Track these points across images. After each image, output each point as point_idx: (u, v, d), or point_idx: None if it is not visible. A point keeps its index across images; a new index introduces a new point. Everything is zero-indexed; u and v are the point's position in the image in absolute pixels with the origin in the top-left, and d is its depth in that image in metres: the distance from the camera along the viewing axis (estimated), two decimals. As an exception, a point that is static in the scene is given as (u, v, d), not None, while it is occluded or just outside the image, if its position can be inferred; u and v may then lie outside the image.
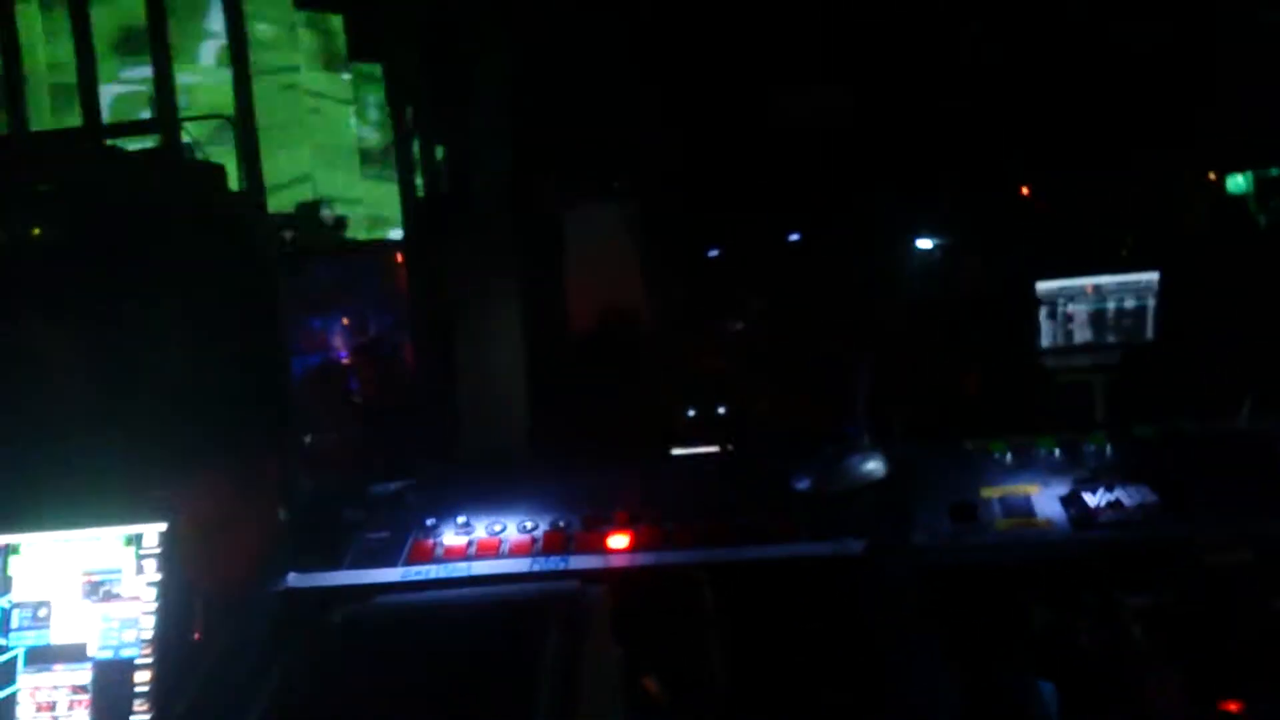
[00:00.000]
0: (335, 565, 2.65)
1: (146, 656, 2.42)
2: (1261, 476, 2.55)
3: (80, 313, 3.61)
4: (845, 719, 2.31)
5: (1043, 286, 5.64)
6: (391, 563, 2.63)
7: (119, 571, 2.47)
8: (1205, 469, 2.61)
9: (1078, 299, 5.58)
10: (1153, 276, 5.53)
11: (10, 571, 2.50)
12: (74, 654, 2.44)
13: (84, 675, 2.43)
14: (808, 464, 2.72)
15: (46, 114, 9.42)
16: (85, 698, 2.41)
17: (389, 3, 5.93)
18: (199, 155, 5.24)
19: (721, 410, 5.57)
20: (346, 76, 11.76)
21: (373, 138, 12.80)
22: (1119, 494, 2.52)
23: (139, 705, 2.39)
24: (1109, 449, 2.77)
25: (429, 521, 2.74)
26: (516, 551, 2.61)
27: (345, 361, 7.65)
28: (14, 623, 2.48)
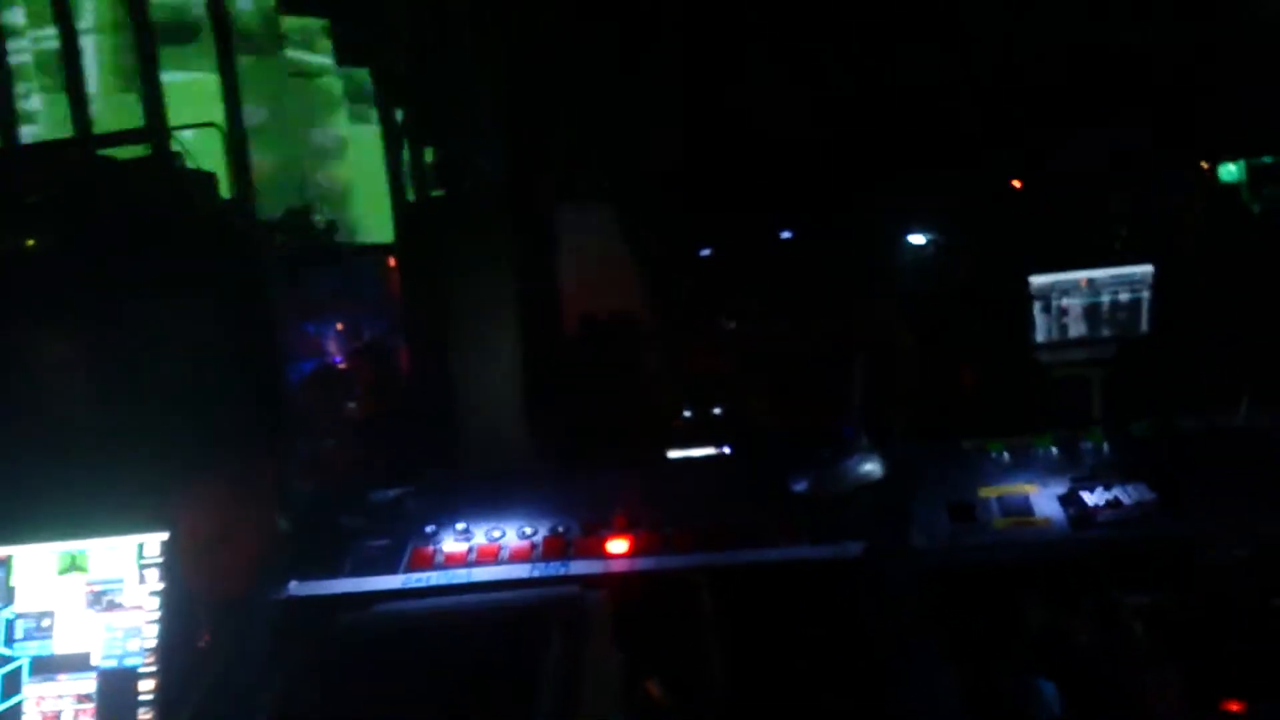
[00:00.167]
0: (336, 573, 2.65)
1: (150, 665, 2.42)
2: (1260, 473, 2.55)
3: (75, 322, 3.61)
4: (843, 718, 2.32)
5: (1036, 280, 5.65)
6: (392, 570, 2.64)
7: (121, 581, 2.48)
8: (1203, 466, 2.61)
9: (1072, 293, 5.59)
10: (1147, 269, 5.55)
11: (13, 582, 2.51)
12: (78, 663, 2.45)
13: (88, 684, 2.44)
14: (805, 466, 2.72)
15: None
16: (90, 706, 2.42)
17: (379, 6, 5.92)
18: (189, 163, 5.23)
19: (717, 411, 5.57)
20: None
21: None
22: (1117, 492, 2.53)
23: (143, 714, 2.40)
24: (1106, 447, 2.77)
25: (429, 528, 2.74)
26: (516, 557, 2.61)
27: (341, 367, 7.65)
28: (18, 633, 2.49)
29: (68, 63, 5.49)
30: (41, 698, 2.44)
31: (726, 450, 4.31)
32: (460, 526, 2.72)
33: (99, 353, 3.48)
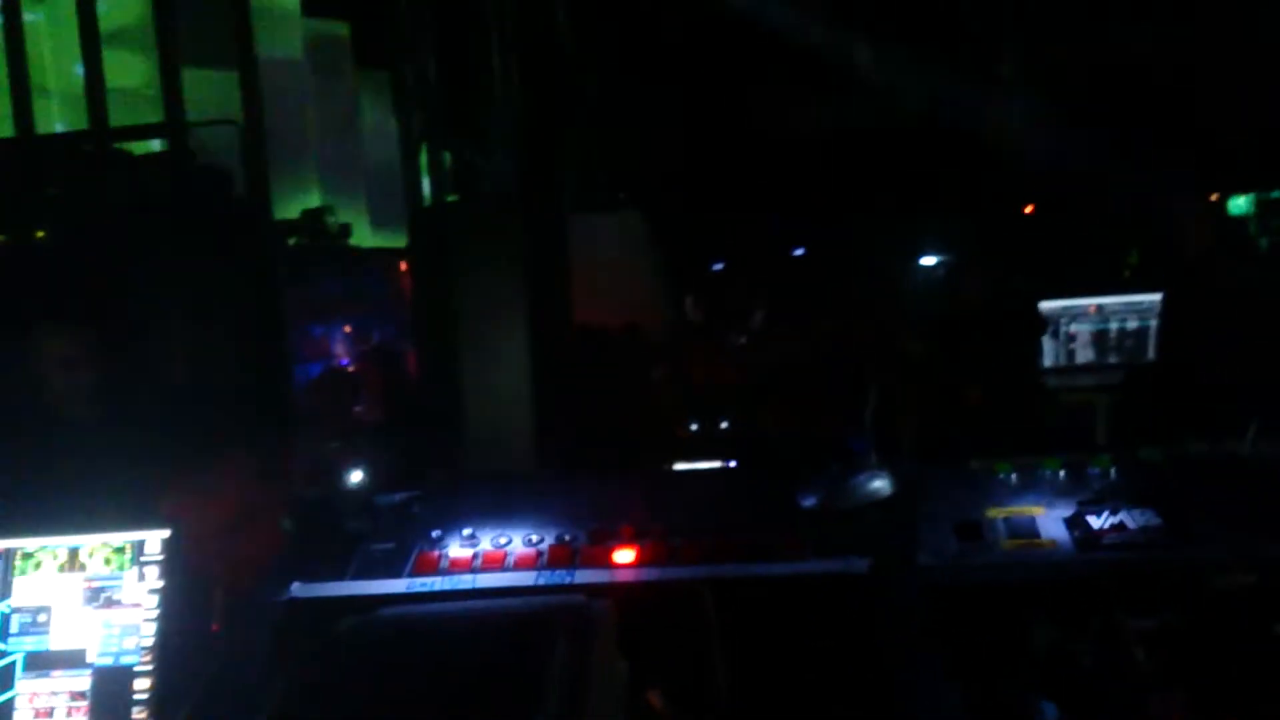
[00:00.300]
0: (339, 576, 2.64)
1: (146, 664, 2.41)
2: (1266, 500, 2.54)
3: (85, 317, 3.60)
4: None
5: (1046, 306, 5.65)
6: (396, 574, 2.63)
7: (120, 578, 2.47)
8: (1210, 492, 2.61)
9: (1080, 319, 5.60)
10: (1155, 298, 5.54)
11: (10, 577, 2.50)
12: (73, 660, 2.44)
13: (83, 681, 2.42)
14: (814, 481, 2.72)
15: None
16: (84, 704, 2.41)
17: (399, 11, 5.95)
18: (204, 159, 5.24)
19: (724, 425, 5.56)
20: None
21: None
22: (1123, 516, 2.52)
23: (138, 713, 2.39)
24: (1114, 471, 2.77)
25: (434, 533, 2.73)
26: (522, 565, 2.60)
27: (349, 369, 7.64)
28: (13, 628, 2.48)
29: (86, 56, 5.49)
30: (35, 694, 2.43)
31: (733, 463, 4.30)
32: (466, 532, 2.72)
33: (105, 348, 3.47)
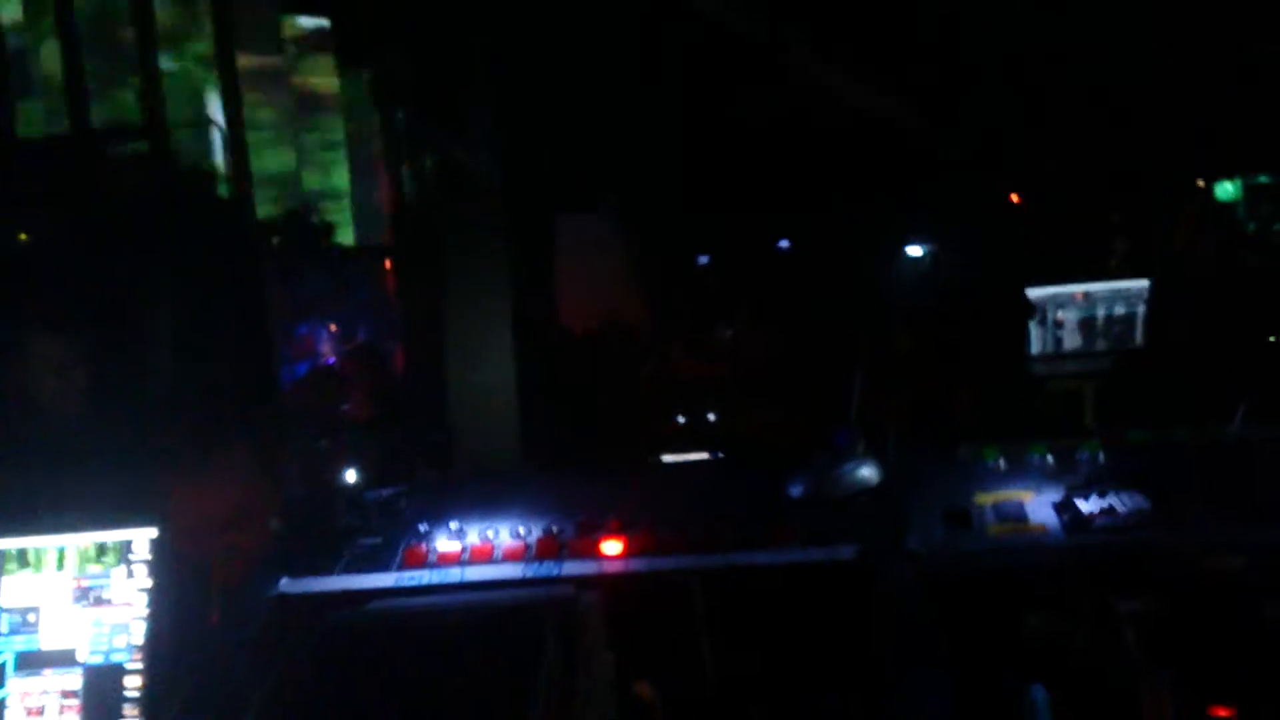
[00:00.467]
0: (328, 571, 2.64)
1: (136, 662, 2.41)
2: (1253, 484, 2.55)
3: (69, 319, 3.59)
4: (838, 722, 2.32)
5: (1032, 293, 5.65)
6: (384, 568, 2.62)
7: (109, 577, 2.46)
8: (1197, 476, 2.61)
9: (1067, 306, 5.60)
10: (1143, 283, 5.55)
11: (-1, 577, 2.49)
12: (64, 659, 2.43)
13: (74, 680, 2.42)
14: (802, 470, 2.72)
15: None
16: (75, 703, 2.40)
17: (380, 9, 5.92)
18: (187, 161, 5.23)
19: (711, 417, 5.57)
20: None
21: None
22: (1112, 500, 2.53)
23: (129, 710, 2.38)
24: (1102, 455, 2.77)
25: (422, 527, 2.73)
26: (510, 557, 2.60)
27: (335, 368, 7.62)
28: (3, 628, 2.47)
29: (66, 58, 5.47)
30: (26, 693, 2.42)
31: (720, 454, 4.31)
32: (454, 526, 2.71)
33: (91, 348, 3.46)
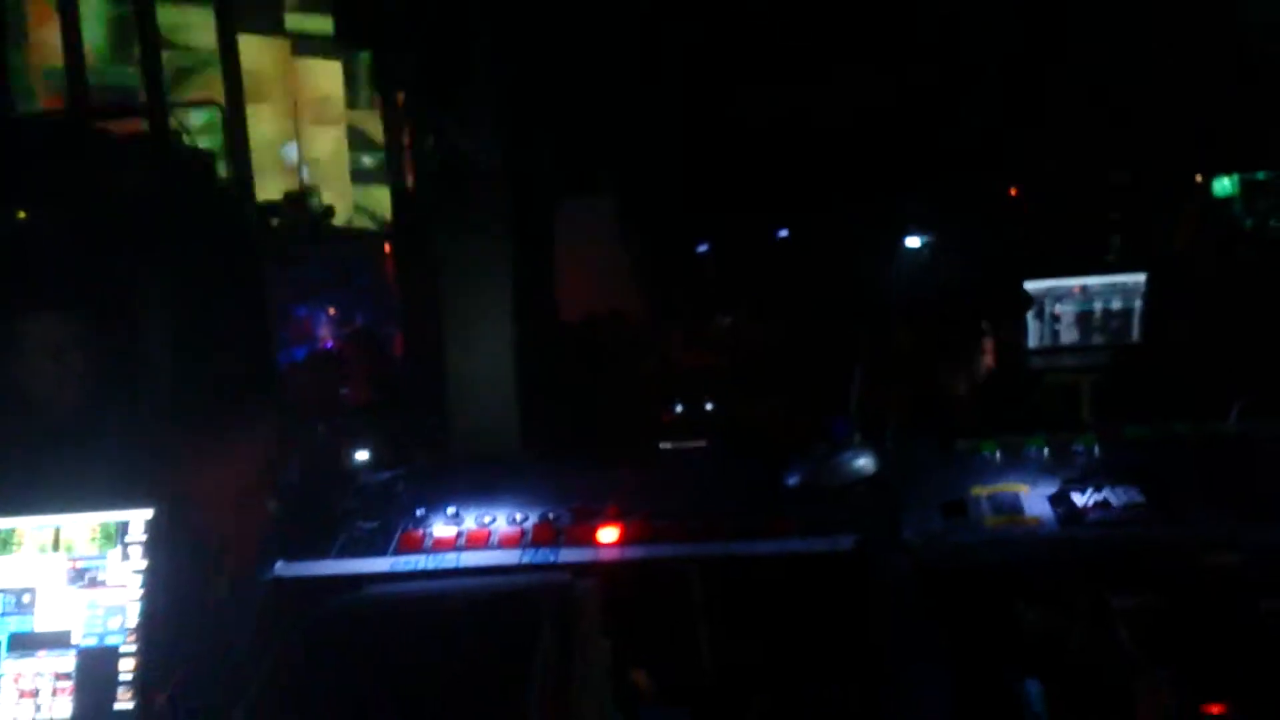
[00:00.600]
0: (324, 555, 2.64)
1: (131, 644, 2.40)
2: (1249, 479, 2.56)
3: (67, 299, 3.58)
4: (834, 713, 2.32)
5: (1031, 287, 5.65)
6: (380, 553, 2.63)
7: (104, 558, 2.46)
8: (1193, 470, 2.62)
9: (1065, 300, 5.60)
10: (1140, 278, 5.55)
11: (-7, 557, 2.49)
12: (58, 640, 2.43)
13: (68, 662, 2.41)
14: (799, 460, 2.73)
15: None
16: (69, 685, 2.40)
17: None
18: (187, 141, 5.21)
19: (710, 407, 5.56)
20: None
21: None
22: (1107, 494, 2.53)
23: (123, 693, 2.38)
24: (1098, 449, 2.77)
25: (419, 512, 2.73)
26: (506, 543, 2.60)
27: (333, 352, 7.60)
28: (-3, 608, 2.47)
29: (65, 36, 5.45)
30: (19, 675, 2.41)
31: (719, 443, 4.30)
32: (451, 511, 2.72)
33: (87, 330, 3.46)
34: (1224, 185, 9.42)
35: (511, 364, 3.81)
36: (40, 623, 2.45)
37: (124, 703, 2.37)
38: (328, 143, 15.17)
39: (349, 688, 1.74)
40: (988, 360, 4.85)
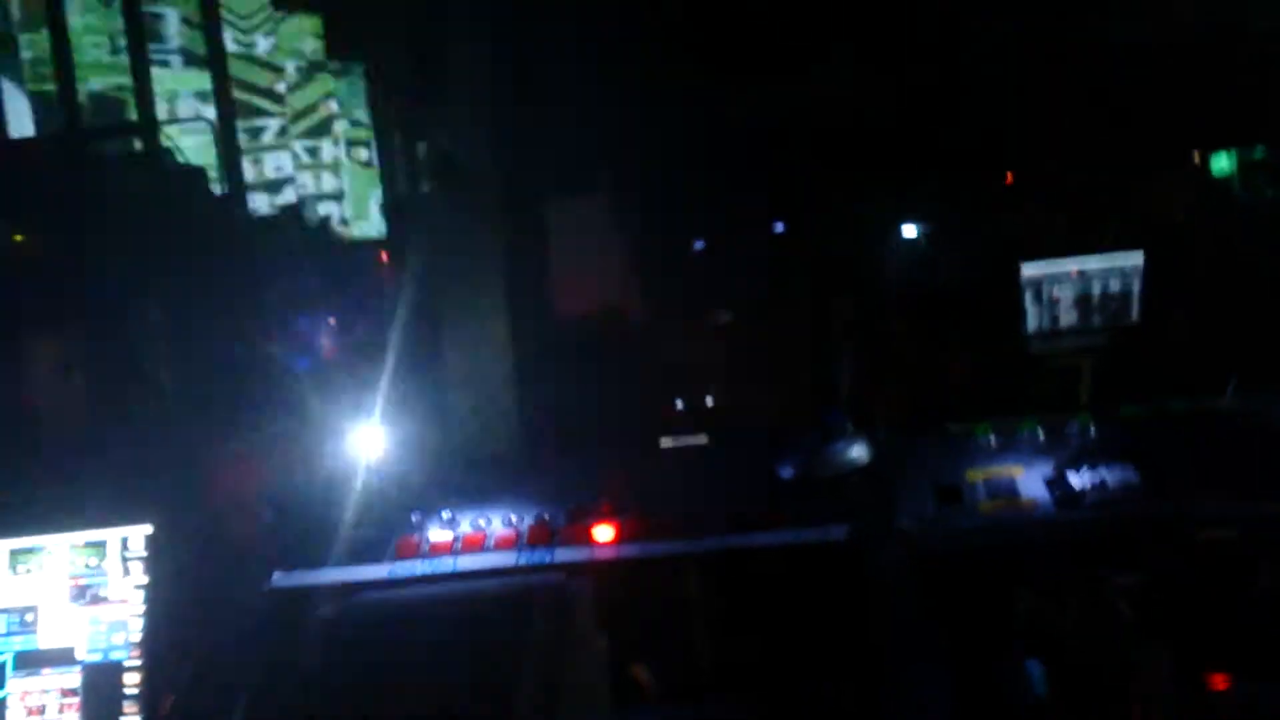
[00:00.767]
0: (321, 564, 2.64)
1: (135, 658, 2.42)
2: (1243, 456, 2.55)
3: (64, 318, 3.59)
4: (832, 702, 2.32)
5: (1027, 270, 5.64)
6: (377, 560, 2.63)
7: (105, 575, 2.47)
8: (1188, 448, 2.62)
9: (1062, 282, 5.59)
10: (1137, 258, 5.53)
11: (-5, 577, 2.50)
12: (63, 657, 2.45)
13: (73, 678, 2.43)
14: (792, 452, 2.72)
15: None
16: (75, 700, 2.42)
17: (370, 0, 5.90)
18: (180, 159, 5.21)
19: (709, 402, 5.55)
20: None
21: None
22: (1103, 474, 2.53)
23: (128, 707, 2.39)
24: (1092, 430, 2.77)
25: (415, 517, 2.73)
26: (502, 546, 2.61)
27: (336, 362, 7.57)
28: (1, 628, 2.48)
29: (57, 57, 5.46)
30: (26, 692, 2.43)
31: (715, 438, 4.30)
32: (446, 515, 2.72)
33: (85, 348, 3.47)
34: (1222, 163, 9.39)
35: (510, 364, 3.82)
36: (44, 641, 2.47)
37: (130, 717, 2.39)
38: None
39: (344, 692, 1.75)
40: (982, 347, 4.83)
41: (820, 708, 2.33)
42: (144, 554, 2.47)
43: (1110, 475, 2.54)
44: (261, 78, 9.90)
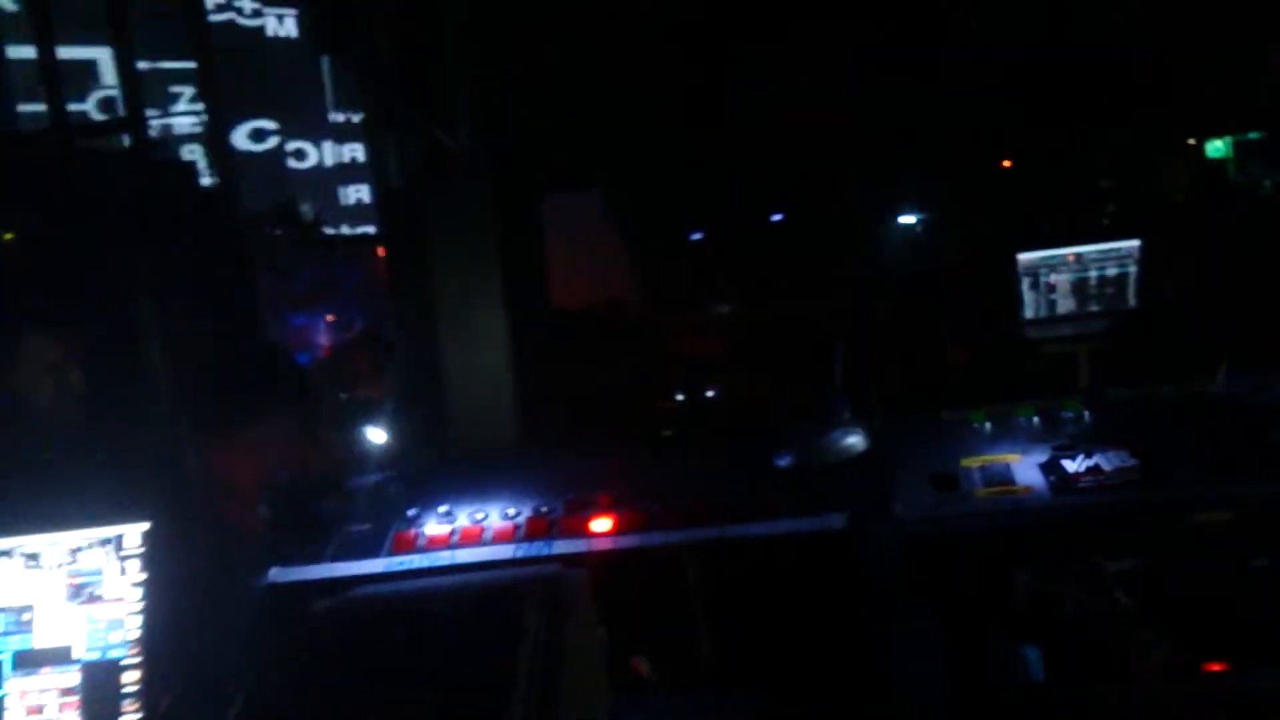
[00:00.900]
0: (317, 558, 2.64)
1: (133, 657, 2.41)
2: (1237, 438, 2.56)
3: (56, 313, 3.59)
4: (832, 692, 2.32)
5: (1024, 257, 5.64)
6: (374, 554, 2.63)
7: (101, 573, 2.47)
8: (1183, 432, 2.62)
9: (1060, 269, 5.60)
10: (1134, 244, 5.54)
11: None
12: (60, 656, 2.44)
13: (72, 677, 2.42)
14: (789, 440, 2.72)
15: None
16: (74, 700, 2.41)
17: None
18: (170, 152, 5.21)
19: (710, 393, 5.57)
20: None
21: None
22: (1098, 459, 2.53)
23: (128, 705, 2.39)
24: (1087, 415, 2.77)
25: (411, 512, 2.73)
26: (500, 539, 2.61)
27: (333, 358, 7.58)
28: (-2, 627, 2.48)
29: (41, 52, 5.41)
30: (24, 692, 2.43)
31: (713, 429, 4.31)
32: (443, 509, 2.72)
33: (78, 344, 3.46)
34: (1217, 147, 9.41)
35: (508, 358, 3.82)
36: (41, 640, 2.45)
37: (129, 715, 2.38)
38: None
39: (341, 688, 1.75)
40: (980, 333, 4.85)
41: (819, 696, 2.33)
42: (141, 551, 2.46)
43: (1105, 461, 2.53)
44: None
